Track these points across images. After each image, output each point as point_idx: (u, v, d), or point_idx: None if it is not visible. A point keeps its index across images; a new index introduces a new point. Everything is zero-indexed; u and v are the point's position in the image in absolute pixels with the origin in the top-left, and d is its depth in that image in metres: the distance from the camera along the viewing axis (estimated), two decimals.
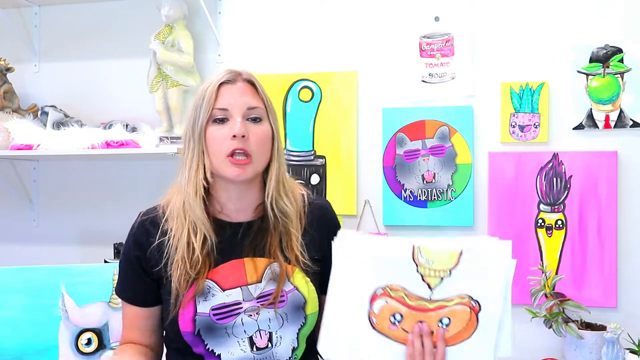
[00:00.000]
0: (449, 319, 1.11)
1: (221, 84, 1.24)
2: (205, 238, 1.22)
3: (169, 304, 1.22)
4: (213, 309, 1.20)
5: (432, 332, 1.11)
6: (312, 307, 1.25)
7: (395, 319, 1.11)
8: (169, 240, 1.23)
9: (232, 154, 1.21)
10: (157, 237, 1.24)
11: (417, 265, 1.12)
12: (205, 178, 1.22)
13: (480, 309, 1.11)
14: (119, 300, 1.34)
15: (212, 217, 1.26)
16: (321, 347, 1.13)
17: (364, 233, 1.22)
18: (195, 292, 1.20)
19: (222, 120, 1.22)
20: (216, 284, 1.21)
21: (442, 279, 1.11)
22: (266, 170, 1.28)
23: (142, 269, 1.26)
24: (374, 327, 1.11)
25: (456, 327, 1.11)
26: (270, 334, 1.21)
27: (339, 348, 1.12)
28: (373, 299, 1.12)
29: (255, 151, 1.22)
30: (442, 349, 1.10)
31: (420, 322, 1.11)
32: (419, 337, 1.10)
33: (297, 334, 1.23)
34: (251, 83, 1.26)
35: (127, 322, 1.32)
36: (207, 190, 1.25)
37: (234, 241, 1.25)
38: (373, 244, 1.15)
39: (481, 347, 1.10)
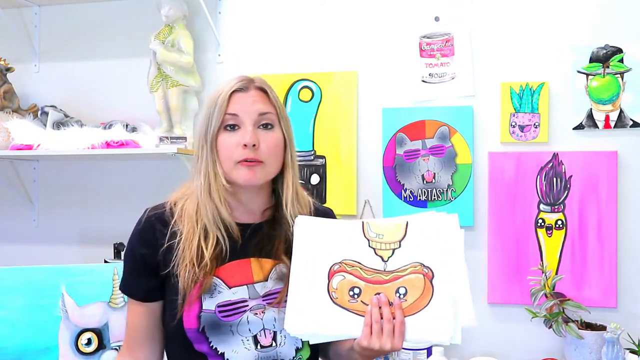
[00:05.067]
0: (405, 288, 1.14)
1: (233, 91, 1.24)
2: (217, 242, 1.23)
3: (174, 304, 1.22)
4: (219, 306, 1.20)
5: (390, 304, 1.13)
6: None
7: (354, 292, 1.15)
8: (178, 243, 1.24)
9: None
10: (167, 239, 1.24)
11: (368, 240, 1.19)
12: (224, 184, 1.24)
13: (433, 275, 1.15)
14: (119, 300, 1.33)
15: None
16: (288, 325, 1.16)
17: (318, 218, 1.28)
18: (202, 290, 1.20)
19: (233, 127, 1.23)
20: (222, 281, 1.22)
21: (393, 250, 1.18)
22: (277, 178, 1.29)
23: (148, 266, 1.26)
24: (334, 302, 1.15)
25: (413, 295, 1.14)
26: (275, 333, 1.22)
27: (304, 324, 1.15)
28: (331, 274, 1.17)
29: (266, 159, 1.23)
30: (400, 317, 1.12)
31: (378, 293, 1.14)
32: (377, 307, 1.13)
33: None
34: (263, 90, 1.27)
35: (130, 322, 1.30)
36: None
37: (241, 241, 1.26)
38: (327, 225, 1.24)
39: (441, 315, 1.12)
